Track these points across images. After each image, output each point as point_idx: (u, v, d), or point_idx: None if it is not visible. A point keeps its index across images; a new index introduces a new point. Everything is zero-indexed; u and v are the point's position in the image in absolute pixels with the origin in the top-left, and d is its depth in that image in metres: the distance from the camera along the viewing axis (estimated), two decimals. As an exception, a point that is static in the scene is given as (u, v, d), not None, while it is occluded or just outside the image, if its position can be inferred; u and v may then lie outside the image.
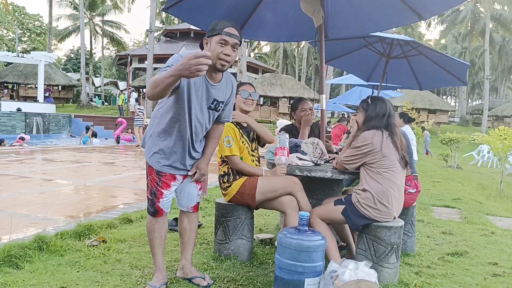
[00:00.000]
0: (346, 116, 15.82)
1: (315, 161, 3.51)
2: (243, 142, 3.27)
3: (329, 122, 24.73)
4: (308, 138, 4.07)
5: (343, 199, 3.06)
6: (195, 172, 2.79)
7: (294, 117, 4.15)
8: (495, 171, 16.66)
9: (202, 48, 2.65)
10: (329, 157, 3.69)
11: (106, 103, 41.69)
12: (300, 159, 3.47)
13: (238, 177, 3.24)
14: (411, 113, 22.91)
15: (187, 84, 2.52)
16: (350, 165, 3.09)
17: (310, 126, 4.08)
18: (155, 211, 2.72)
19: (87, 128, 17.52)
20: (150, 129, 2.74)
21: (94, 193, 6.04)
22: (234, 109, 3.38)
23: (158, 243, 2.79)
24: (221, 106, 2.75)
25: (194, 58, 2.03)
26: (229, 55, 2.53)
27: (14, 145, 14.04)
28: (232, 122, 3.26)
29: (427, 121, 26.69)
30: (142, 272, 3.00)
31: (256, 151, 3.42)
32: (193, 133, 2.67)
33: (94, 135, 16.69)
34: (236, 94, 3.31)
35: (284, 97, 31.77)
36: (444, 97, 62.30)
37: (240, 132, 3.29)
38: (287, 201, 3.16)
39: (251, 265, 3.23)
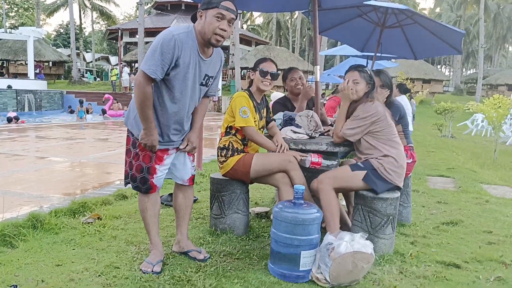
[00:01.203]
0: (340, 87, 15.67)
1: (310, 134, 3.47)
2: (254, 118, 3.21)
3: (323, 94, 24.61)
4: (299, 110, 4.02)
5: (359, 164, 2.99)
6: (187, 145, 2.75)
7: (286, 88, 4.08)
8: (489, 139, 16.73)
9: (194, 20, 2.56)
10: (324, 129, 3.66)
11: (98, 79, 41.10)
12: (294, 132, 3.43)
13: (236, 153, 3.19)
14: (405, 84, 22.77)
15: (183, 63, 2.45)
16: (355, 136, 3.02)
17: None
18: (148, 187, 2.67)
19: (81, 102, 17.35)
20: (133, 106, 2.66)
21: (88, 169, 6.01)
22: (250, 86, 3.33)
23: (153, 221, 2.76)
24: (210, 81, 2.70)
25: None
26: (225, 30, 2.44)
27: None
28: (246, 93, 3.21)
29: (422, 91, 26.61)
30: (138, 248, 2.99)
31: (262, 129, 3.36)
32: (186, 110, 2.63)
33: (87, 111, 16.54)
34: (255, 70, 3.25)
35: (278, 69, 31.27)
36: (438, 66, 62.01)
37: (253, 107, 3.23)
38: (280, 177, 3.11)
39: (247, 238, 3.23)
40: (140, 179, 2.65)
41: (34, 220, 3.29)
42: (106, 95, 19.59)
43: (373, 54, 8.84)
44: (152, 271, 2.61)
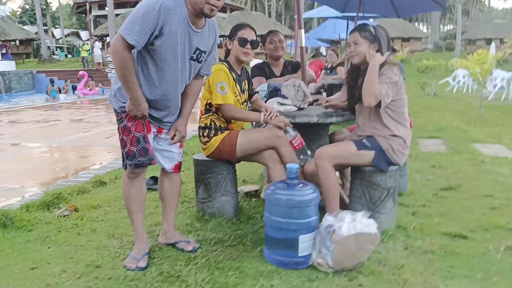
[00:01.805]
0: (321, 51, 15.31)
1: (298, 105, 3.20)
2: (235, 93, 2.91)
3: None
4: (281, 75, 3.74)
5: (365, 142, 2.70)
6: (174, 135, 2.47)
7: (265, 51, 3.78)
8: (471, 95, 16.71)
9: None
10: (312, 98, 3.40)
11: (69, 56, 39.70)
12: (281, 104, 3.16)
13: (219, 132, 2.92)
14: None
15: (169, 32, 2.17)
16: (388, 98, 2.62)
17: (283, 63, 3.73)
18: (150, 158, 2.36)
19: (52, 82, 16.65)
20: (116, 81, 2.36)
21: (62, 154, 5.67)
22: (227, 56, 3.02)
23: (137, 209, 2.49)
24: (203, 57, 2.41)
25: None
26: (216, 7, 2.20)
27: None
28: (224, 65, 2.89)
29: (401, 50, 26.40)
30: (120, 242, 2.73)
31: (245, 103, 3.07)
32: (176, 86, 2.35)
33: (60, 90, 15.89)
34: (233, 38, 2.93)
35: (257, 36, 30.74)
36: (416, 24, 61.65)
37: (233, 80, 2.93)
38: (268, 155, 2.86)
39: (238, 222, 3.00)
40: (139, 151, 2.33)
41: (3, 217, 3.00)
42: (81, 72, 18.78)
43: (354, 14, 8.53)
44: (137, 266, 2.37)
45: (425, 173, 4.25)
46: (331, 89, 7.68)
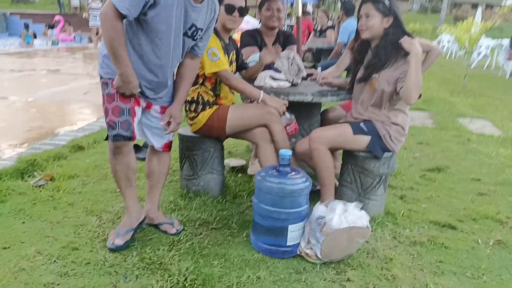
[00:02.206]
0: (308, 10, 14.87)
1: (292, 80, 3.04)
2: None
3: (289, 14, 23.56)
4: (272, 45, 3.53)
5: (362, 126, 2.56)
6: (169, 122, 2.30)
7: (260, 17, 3.53)
8: (455, 61, 16.71)
9: None
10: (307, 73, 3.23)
11: (45, -4, 37.67)
12: (274, 79, 2.99)
13: (208, 107, 2.74)
14: None
15: (165, 2, 1.97)
16: None
17: (276, 33, 3.52)
18: (131, 134, 2.16)
19: (27, 26, 15.75)
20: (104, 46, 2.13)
21: (38, 111, 5.38)
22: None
23: (125, 185, 2.32)
24: (199, 34, 2.20)
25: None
26: None
27: None
28: (213, 33, 2.66)
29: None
30: (99, 220, 2.60)
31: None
32: (168, 62, 2.17)
33: (34, 35, 15.09)
34: (219, 4, 2.70)
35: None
36: (404, -18, 60.35)
37: (222, 48, 2.72)
38: (259, 133, 2.72)
39: (224, 200, 2.90)
40: (121, 123, 2.13)
41: (-27, 187, 2.83)
42: (57, 17, 17.83)
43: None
44: (113, 243, 2.26)
45: (412, 150, 4.21)
46: (319, 54, 7.48)
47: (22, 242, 2.33)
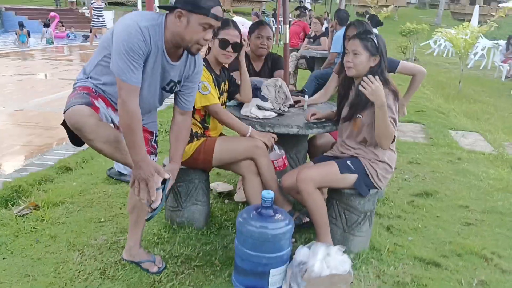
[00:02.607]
0: (305, 9, 14.75)
1: (278, 109, 3.01)
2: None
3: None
4: (260, 70, 3.50)
5: (350, 165, 2.52)
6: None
7: (249, 43, 3.48)
8: (451, 61, 16.71)
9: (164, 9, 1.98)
10: (294, 101, 3.20)
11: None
12: (261, 108, 2.96)
13: (195, 139, 2.72)
14: (377, 16, 21.93)
15: (148, 63, 1.95)
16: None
17: (264, 56, 3.47)
18: (88, 102, 1.92)
19: (21, 25, 15.60)
20: (83, 75, 2.10)
21: (26, 124, 5.33)
22: (208, 53, 2.79)
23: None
24: (177, 87, 2.17)
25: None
26: (208, 40, 1.96)
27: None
28: (204, 66, 2.63)
29: (386, 7, 25.78)
30: (81, 256, 2.56)
31: (224, 106, 2.87)
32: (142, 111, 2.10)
33: (29, 34, 14.95)
34: (213, 37, 2.67)
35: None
36: (403, -23, 60.04)
37: (212, 81, 2.70)
38: (245, 165, 2.72)
39: (208, 232, 2.87)
40: (79, 97, 1.95)
41: (-45, 218, 2.80)
42: (52, 13, 17.66)
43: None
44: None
45: (402, 170, 4.19)
46: (313, 61, 7.43)
47: (1, 283, 2.31)
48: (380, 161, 2.54)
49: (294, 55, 7.46)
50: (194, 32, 1.90)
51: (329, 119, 2.88)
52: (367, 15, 22.24)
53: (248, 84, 2.88)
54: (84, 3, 25.39)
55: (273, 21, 22.89)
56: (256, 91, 3.13)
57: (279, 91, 3.07)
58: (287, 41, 3.27)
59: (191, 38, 1.91)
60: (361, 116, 2.51)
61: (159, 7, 2.10)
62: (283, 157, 2.79)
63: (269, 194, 2.24)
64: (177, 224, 2.90)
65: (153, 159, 2.34)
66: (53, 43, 14.87)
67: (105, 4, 14.05)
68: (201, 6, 1.86)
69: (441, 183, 3.90)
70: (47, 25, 15.56)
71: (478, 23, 20.25)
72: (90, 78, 2.07)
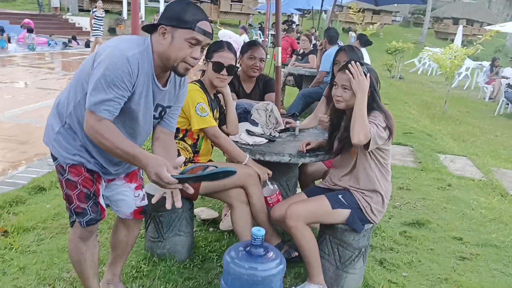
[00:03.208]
0: (292, 23, 14.77)
1: (269, 134, 2.86)
2: None
3: (274, 23, 23.46)
4: (251, 92, 3.35)
5: (341, 199, 2.38)
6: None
7: (240, 63, 3.33)
8: (435, 79, 16.90)
9: (148, 31, 1.81)
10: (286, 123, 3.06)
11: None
12: (250, 133, 2.80)
13: (182, 165, 2.54)
14: (357, 16, 22.18)
15: (137, 93, 1.78)
16: (379, 141, 2.25)
17: (256, 78, 3.32)
18: (98, 213, 1.93)
19: (1, 30, 15.19)
20: (59, 119, 1.88)
21: (0, 137, 5.06)
22: (202, 75, 2.67)
23: (93, 273, 2.09)
24: (166, 112, 2.01)
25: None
26: (197, 59, 1.76)
27: None
28: (198, 85, 2.53)
29: (372, 25, 26.04)
30: (51, 291, 2.36)
31: None
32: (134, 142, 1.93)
33: (9, 39, 14.58)
34: (208, 60, 2.55)
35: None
36: (387, -5, 61.07)
37: (208, 103, 2.57)
38: (235, 194, 2.57)
39: (191, 265, 2.68)
40: (91, 208, 1.91)
41: None
42: (26, 20, 17.10)
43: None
44: None
45: (392, 197, 4.06)
46: (301, 79, 7.33)
47: (-40, 324, 2.08)
48: (374, 190, 2.39)
49: (282, 72, 7.34)
50: (179, 48, 1.71)
51: (320, 148, 2.74)
52: (350, 31, 22.52)
53: (234, 116, 2.72)
54: (68, 9, 25.01)
55: (260, 34, 22.96)
56: (246, 115, 2.99)
57: (270, 116, 2.92)
58: (279, 64, 3.11)
59: (176, 55, 1.72)
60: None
61: (142, 27, 1.90)
62: (277, 193, 2.64)
63: (259, 231, 2.07)
64: (158, 256, 2.70)
65: (138, 195, 2.18)
66: (34, 49, 14.49)
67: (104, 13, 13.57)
68: (185, 20, 1.70)
69: (433, 212, 3.79)
70: (30, 30, 15.17)
71: (462, 43, 20.67)
72: (67, 125, 1.86)
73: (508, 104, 10.82)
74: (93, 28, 12.67)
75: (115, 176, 2.07)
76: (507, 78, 11.50)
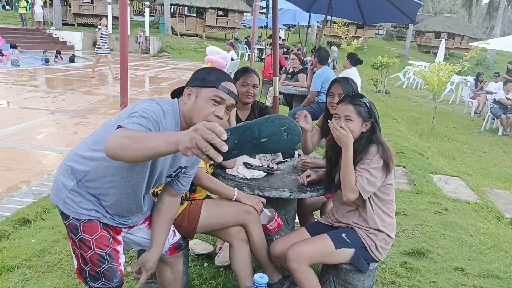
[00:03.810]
0: (279, 35, 14.79)
1: (267, 166, 2.76)
2: None
3: (259, 37, 23.54)
4: (247, 119, 3.26)
5: (345, 238, 2.29)
6: (139, 271, 1.98)
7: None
8: (420, 93, 17.08)
9: (175, 96, 1.84)
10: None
11: (8, 7, 36.46)
12: (248, 166, 2.69)
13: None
14: (342, 30, 22.41)
15: None
16: (372, 190, 2.23)
17: (251, 105, 3.23)
18: (114, 279, 1.80)
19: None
20: (73, 176, 1.79)
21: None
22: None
23: None
24: (181, 172, 1.94)
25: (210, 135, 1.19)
26: (221, 119, 1.70)
27: None
28: None
29: (357, 39, 26.34)
30: None
31: (212, 167, 2.61)
32: (141, 198, 1.88)
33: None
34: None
35: (212, 8, 29.62)
36: (370, 8, 62.01)
37: None
38: (234, 232, 2.46)
39: (187, 307, 2.55)
40: (104, 272, 1.80)
41: None
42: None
43: (319, 14, 8.18)
44: None
45: (389, 223, 3.98)
46: (291, 97, 7.27)
47: None
48: (378, 230, 2.31)
49: (271, 91, 7.28)
50: (203, 107, 1.70)
51: (322, 180, 2.64)
52: (332, 46, 22.83)
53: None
54: (51, 23, 24.76)
55: (246, 48, 23.00)
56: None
57: (267, 146, 2.82)
58: (277, 94, 3.02)
59: (199, 114, 1.69)
60: None
61: (171, 93, 1.87)
62: (275, 217, 2.53)
63: (262, 278, 1.94)
64: (152, 298, 2.55)
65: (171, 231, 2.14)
66: (18, 65, 14.20)
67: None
68: (209, 79, 1.74)
69: (432, 239, 3.71)
70: (13, 46, 14.86)
71: (444, 55, 21.00)
72: (82, 183, 1.77)
73: (494, 119, 10.92)
74: (97, 46, 12.28)
75: (134, 223, 2.00)
76: (491, 93, 11.63)
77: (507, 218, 4.49)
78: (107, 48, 12.49)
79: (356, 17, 7.14)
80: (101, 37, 12.10)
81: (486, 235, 3.90)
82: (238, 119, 3.17)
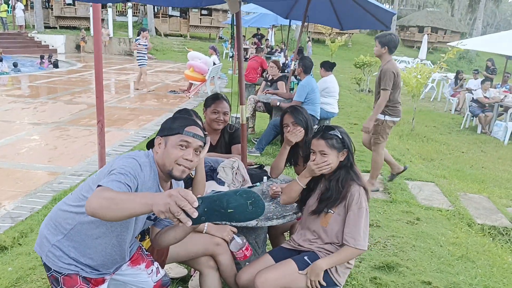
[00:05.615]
0: (262, 37, 14.85)
1: (235, 194, 2.83)
2: None
3: (246, 49, 23.53)
4: (216, 144, 3.34)
5: (307, 260, 2.40)
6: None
7: (205, 116, 3.31)
8: (402, 92, 17.19)
9: (149, 147, 2.09)
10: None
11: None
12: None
13: (147, 236, 2.50)
14: (325, 28, 22.55)
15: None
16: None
17: (221, 130, 3.29)
18: None
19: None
20: (58, 231, 1.91)
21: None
22: None
23: None
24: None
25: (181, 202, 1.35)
26: (191, 161, 1.91)
27: None
28: None
29: (341, 37, 26.45)
30: None
31: None
32: (126, 246, 2.03)
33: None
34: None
35: (195, 7, 29.48)
36: (355, 3, 62.15)
37: None
38: (203, 261, 2.55)
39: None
40: None
41: None
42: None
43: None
44: None
45: (362, 236, 4.09)
46: (271, 107, 7.33)
47: None
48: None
49: (252, 98, 7.36)
50: (172, 152, 1.88)
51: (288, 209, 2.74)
52: (308, 41, 23.31)
53: (202, 176, 2.66)
54: (33, 26, 24.48)
55: (230, 48, 23.01)
56: (212, 173, 2.95)
57: (236, 173, 2.91)
58: (244, 122, 3.09)
59: (169, 159, 1.87)
60: (332, 212, 2.41)
61: (146, 145, 2.15)
62: (244, 248, 2.62)
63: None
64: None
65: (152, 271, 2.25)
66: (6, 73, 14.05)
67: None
68: (174, 127, 1.92)
69: (402, 251, 3.83)
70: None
71: (428, 50, 21.27)
72: (66, 238, 1.89)
73: (473, 117, 11.13)
74: (138, 57, 11.58)
75: (116, 269, 2.11)
76: (471, 90, 11.83)
77: (478, 224, 4.64)
78: (146, 60, 11.77)
79: (333, 23, 7.20)
80: (140, 49, 11.44)
81: (455, 245, 4.03)
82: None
